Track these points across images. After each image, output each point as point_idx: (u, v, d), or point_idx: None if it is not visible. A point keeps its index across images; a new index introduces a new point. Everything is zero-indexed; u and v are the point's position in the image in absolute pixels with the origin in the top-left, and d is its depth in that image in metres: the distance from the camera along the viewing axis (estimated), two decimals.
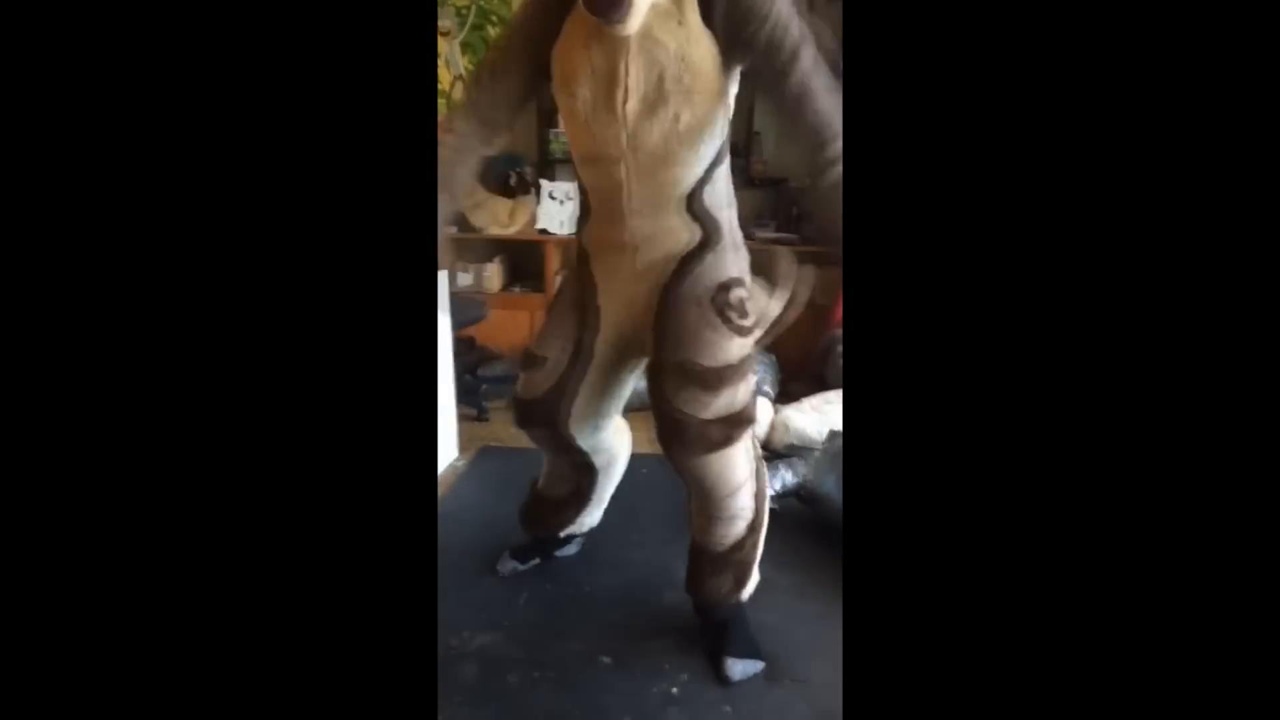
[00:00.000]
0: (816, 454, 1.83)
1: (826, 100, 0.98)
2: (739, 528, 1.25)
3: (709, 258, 1.14)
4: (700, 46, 0.99)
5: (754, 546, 1.28)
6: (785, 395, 2.46)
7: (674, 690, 1.22)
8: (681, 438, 1.14)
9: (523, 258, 3.04)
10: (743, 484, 1.22)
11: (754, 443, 1.27)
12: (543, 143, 3.03)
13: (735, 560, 1.26)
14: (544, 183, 2.79)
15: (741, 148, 2.98)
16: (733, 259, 1.17)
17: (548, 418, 1.29)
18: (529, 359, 1.28)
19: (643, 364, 1.31)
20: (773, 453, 2.15)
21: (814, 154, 0.99)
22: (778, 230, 3.00)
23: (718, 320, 1.12)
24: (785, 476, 1.82)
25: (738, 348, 1.14)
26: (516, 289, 3.00)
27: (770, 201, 3.11)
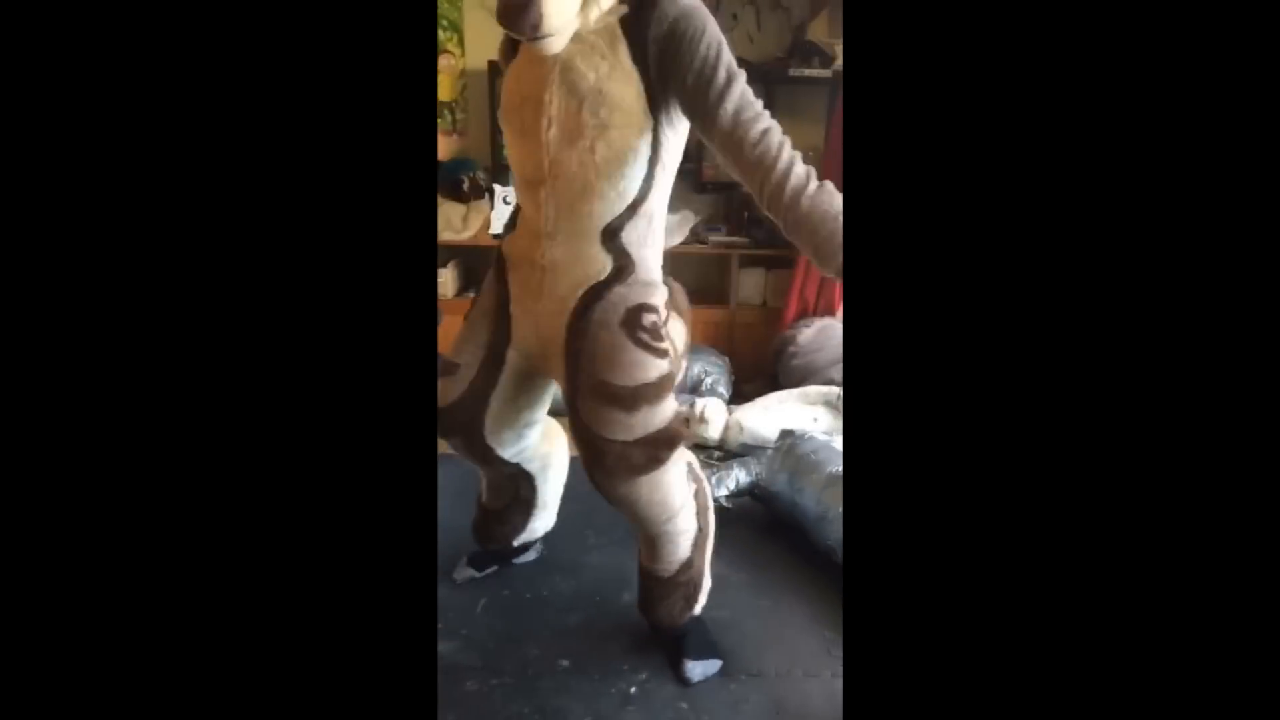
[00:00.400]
0: (769, 453, 1.87)
1: (762, 130, 0.99)
2: (683, 550, 1.25)
3: (618, 289, 1.13)
4: (622, 82, 1.02)
5: (701, 563, 1.29)
6: (739, 396, 2.50)
7: (632, 690, 1.24)
8: (602, 463, 1.12)
9: (476, 263, 3.02)
10: (680, 507, 1.21)
11: (691, 463, 1.27)
12: (496, 148, 3.02)
13: (683, 582, 1.27)
14: (497, 187, 2.79)
15: (693, 152, 3.02)
16: (644, 290, 1.15)
17: (464, 426, 1.27)
18: (444, 365, 1.26)
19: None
20: (726, 452, 2.19)
21: (763, 185, 1.00)
22: (729, 234, 3.05)
23: (629, 342, 1.11)
24: (739, 475, 1.86)
25: (654, 367, 1.12)
26: (471, 294, 2.98)
27: (721, 205, 3.16)
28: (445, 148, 3.14)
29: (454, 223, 2.87)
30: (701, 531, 1.27)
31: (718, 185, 3.08)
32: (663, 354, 1.14)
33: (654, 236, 1.18)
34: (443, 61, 3.26)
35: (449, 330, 2.96)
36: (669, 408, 1.16)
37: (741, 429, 2.19)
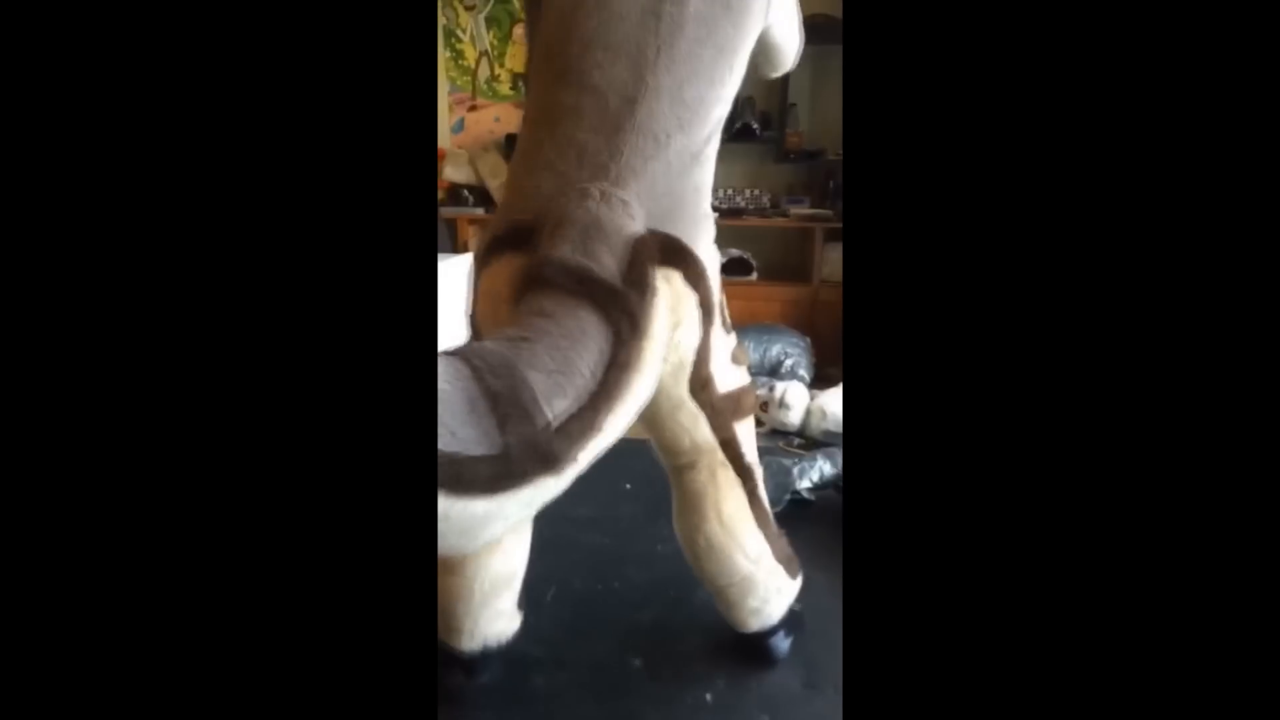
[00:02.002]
0: None
1: None
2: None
3: None
4: None
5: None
6: (822, 380, 2.36)
7: (708, 697, 1.16)
8: None
9: None
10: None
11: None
12: None
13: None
14: None
15: (776, 119, 2.85)
16: None
17: None
18: None
19: None
20: (809, 440, 2.07)
21: None
22: (813, 206, 2.88)
23: None
24: (823, 466, 1.74)
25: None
26: None
27: (805, 176, 2.98)
28: (520, 120, 3.10)
29: None
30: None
31: (800, 154, 2.91)
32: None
33: None
34: (518, 31, 3.20)
35: None
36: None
37: (825, 415, 2.05)
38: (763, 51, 1.05)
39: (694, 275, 0.91)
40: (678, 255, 0.89)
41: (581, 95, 0.88)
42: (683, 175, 0.92)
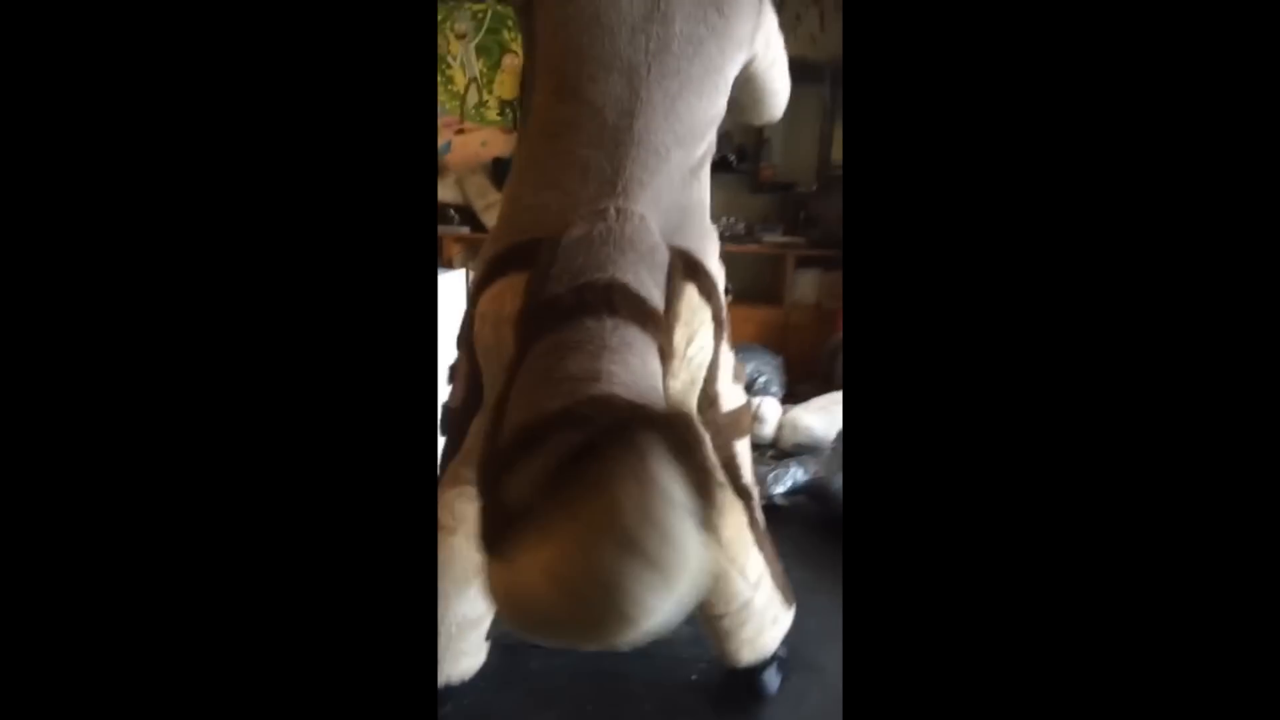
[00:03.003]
0: (827, 453, 1.87)
1: None
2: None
3: None
4: None
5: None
6: (793, 396, 2.50)
7: (693, 676, 1.26)
8: None
9: None
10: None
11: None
12: None
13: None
14: None
15: (751, 152, 3.02)
16: None
17: None
18: None
19: None
20: (781, 452, 2.19)
21: None
22: (785, 234, 3.05)
23: None
24: (796, 474, 1.86)
25: None
26: None
27: (777, 206, 3.15)
28: (506, 144, 3.21)
29: None
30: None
31: (774, 185, 3.08)
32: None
33: None
34: (507, 61, 3.33)
35: None
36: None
37: (796, 429, 2.18)
38: (753, 96, 1.07)
39: (707, 289, 0.92)
40: (692, 269, 0.90)
41: (579, 110, 0.89)
42: (685, 189, 0.93)
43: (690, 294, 0.90)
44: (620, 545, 0.51)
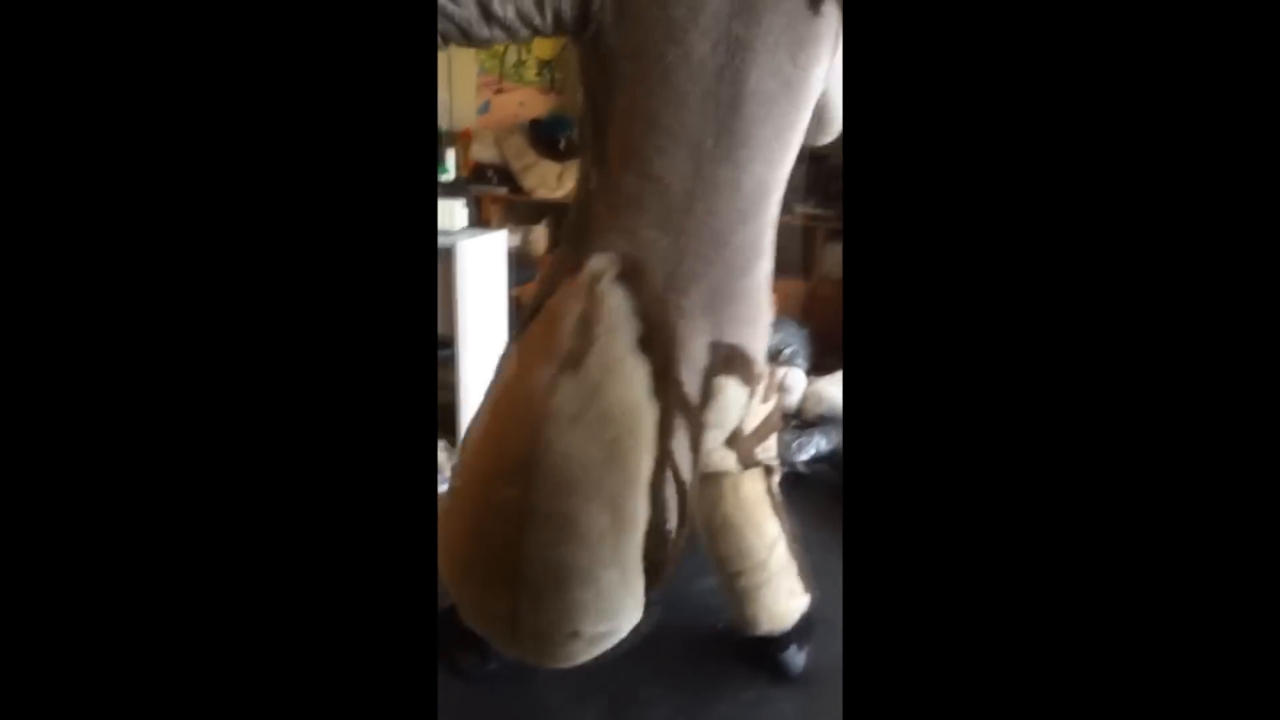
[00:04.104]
0: None
1: None
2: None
3: None
4: None
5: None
6: (818, 369, 2.56)
7: (719, 625, 1.33)
8: None
9: None
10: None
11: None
12: None
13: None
14: None
15: None
16: None
17: None
18: None
19: None
20: (805, 421, 2.26)
21: None
22: (817, 206, 3.06)
23: None
24: (820, 442, 1.94)
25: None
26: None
27: (810, 177, 3.16)
28: (543, 105, 3.23)
29: (549, 181, 2.97)
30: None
31: (807, 156, 3.07)
32: None
33: None
34: None
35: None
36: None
37: (820, 399, 2.25)
38: (817, 116, 1.00)
39: (748, 378, 0.94)
40: (735, 364, 0.92)
41: (644, 184, 0.85)
42: (745, 273, 0.91)
43: (731, 386, 0.92)
44: None
